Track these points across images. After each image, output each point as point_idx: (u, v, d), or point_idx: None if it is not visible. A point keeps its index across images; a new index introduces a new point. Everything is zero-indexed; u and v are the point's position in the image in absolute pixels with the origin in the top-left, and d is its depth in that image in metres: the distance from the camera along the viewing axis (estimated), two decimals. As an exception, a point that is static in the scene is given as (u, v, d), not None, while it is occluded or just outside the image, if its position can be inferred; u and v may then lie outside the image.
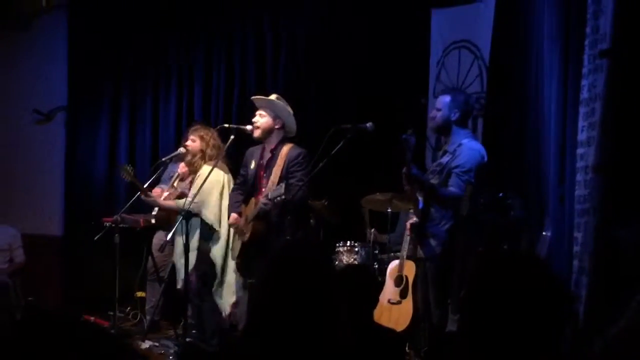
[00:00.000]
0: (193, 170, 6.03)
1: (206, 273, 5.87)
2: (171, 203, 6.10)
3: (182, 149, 6.14)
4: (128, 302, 7.08)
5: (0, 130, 8.39)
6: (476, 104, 6.48)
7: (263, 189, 5.50)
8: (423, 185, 4.80)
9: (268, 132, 5.60)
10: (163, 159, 6.58)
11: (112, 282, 6.34)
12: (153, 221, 6.50)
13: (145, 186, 6.22)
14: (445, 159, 4.89)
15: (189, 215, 5.50)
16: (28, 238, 7.61)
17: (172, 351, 5.81)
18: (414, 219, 4.99)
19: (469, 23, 6.60)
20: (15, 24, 8.31)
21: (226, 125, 5.98)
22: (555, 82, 4.83)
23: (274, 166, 5.51)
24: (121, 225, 6.30)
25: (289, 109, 5.64)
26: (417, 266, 5.33)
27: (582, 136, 4.39)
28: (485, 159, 4.90)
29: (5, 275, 7.17)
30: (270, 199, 5.21)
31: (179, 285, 5.88)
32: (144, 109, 8.18)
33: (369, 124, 5.17)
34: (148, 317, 6.64)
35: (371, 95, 6.67)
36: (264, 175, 5.59)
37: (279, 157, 5.51)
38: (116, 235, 6.22)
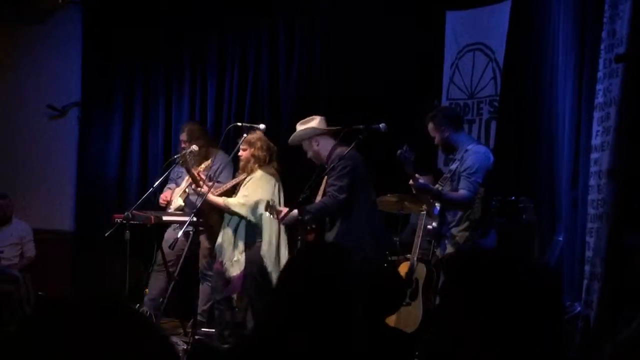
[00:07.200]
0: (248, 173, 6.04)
1: (253, 274, 5.86)
2: (219, 201, 6.00)
3: (194, 147, 6.11)
4: (137, 298, 7.07)
5: (14, 125, 8.41)
6: (490, 106, 6.48)
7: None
8: (431, 193, 5.02)
9: (321, 156, 5.54)
10: (175, 156, 6.57)
11: (121, 279, 6.33)
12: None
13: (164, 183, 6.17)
14: (454, 166, 5.09)
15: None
16: (39, 233, 7.62)
17: (180, 348, 5.80)
18: (433, 224, 5.25)
19: (483, 25, 6.58)
20: (31, 19, 8.34)
21: (239, 123, 5.96)
22: (570, 85, 4.81)
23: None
24: (132, 222, 6.29)
25: (307, 125, 5.59)
26: (428, 269, 5.42)
27: (596, 141, 4.36)
28: (492, 159, 5.09)
29: (16, 269, 7.19)
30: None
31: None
32: (157, 106, 8.18)
33: (382, 125, 5.19)
34: (145, 308, 6.58)
35: (385, 97, 6.65)
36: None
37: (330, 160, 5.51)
38: (127, 231, 6.21)
